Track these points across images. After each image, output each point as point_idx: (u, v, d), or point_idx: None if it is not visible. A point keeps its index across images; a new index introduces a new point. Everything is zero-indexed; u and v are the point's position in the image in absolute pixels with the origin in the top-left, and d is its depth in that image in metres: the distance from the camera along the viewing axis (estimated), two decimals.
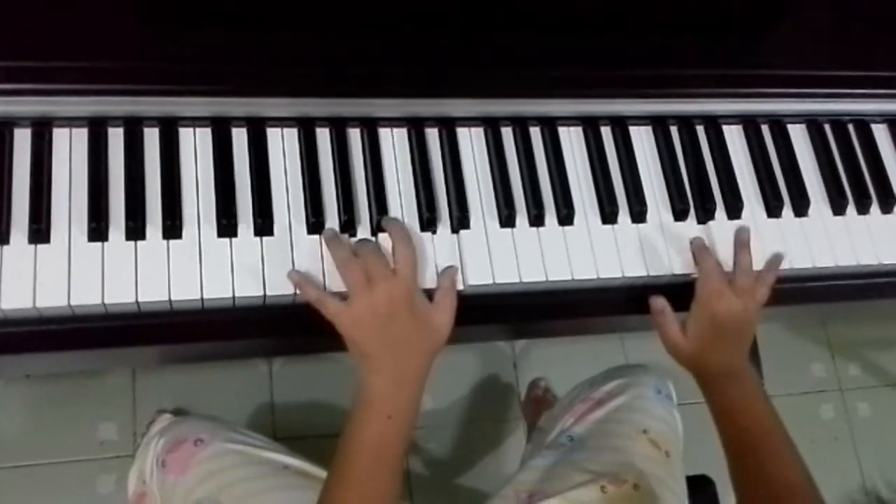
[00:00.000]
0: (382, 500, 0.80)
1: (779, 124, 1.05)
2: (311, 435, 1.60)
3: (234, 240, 0.85)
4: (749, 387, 0.93)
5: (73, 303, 0.78)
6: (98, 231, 0.81)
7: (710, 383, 0.94)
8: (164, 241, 0.83)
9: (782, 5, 1.01)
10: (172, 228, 0.83)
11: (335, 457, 0.81)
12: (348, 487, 0.80)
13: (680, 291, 0.94)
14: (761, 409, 0.92)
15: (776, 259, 0.96)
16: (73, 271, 0.80)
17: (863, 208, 1.03)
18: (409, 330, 0.82)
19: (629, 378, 1.13)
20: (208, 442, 0.99)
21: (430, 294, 0.86)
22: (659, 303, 0.94)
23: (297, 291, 0.84)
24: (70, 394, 1.58)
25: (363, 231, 0.89)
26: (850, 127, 1.08)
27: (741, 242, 0.95)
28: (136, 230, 0.82)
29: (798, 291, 0.99)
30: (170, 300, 0.81)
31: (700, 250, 0.95)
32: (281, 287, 0.84)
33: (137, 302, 0.80)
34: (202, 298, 0.81)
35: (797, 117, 1.06)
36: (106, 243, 0.82)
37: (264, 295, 0.83)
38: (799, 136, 1.06)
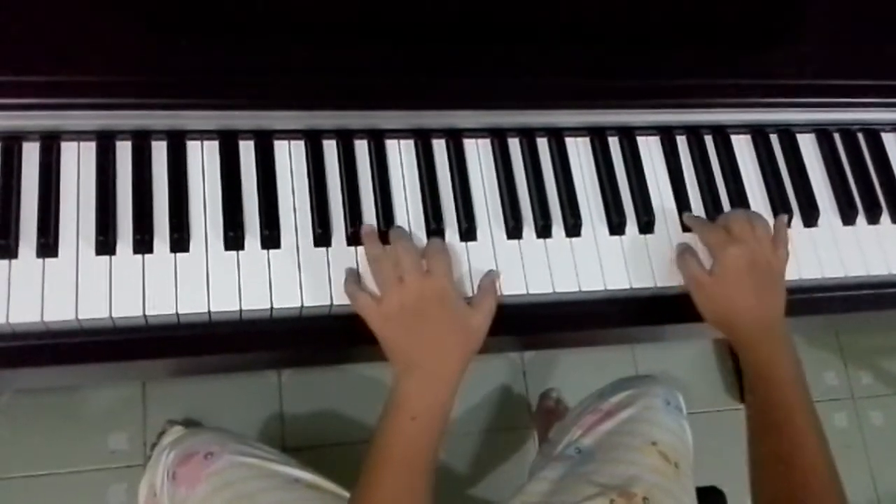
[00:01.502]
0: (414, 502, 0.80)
1: (788, 133, 1.04)
2: (322, 444, 1.60)
3: (241, 253, 0.85)
4: (782, 351, 0.89)
5: (80, 317, 0.79)
6: (106, 245, 0.82)
7: (743, 344, 0.90)
8: (172, 255, 0.83)
9: (790, 15, 1.00)
10: (180, 242, 0.83)
11: (365, 458, 0.81)
12: (379, 491, 0.79)
13: (689, 302, 0.93)
14: (792, 377, 0.88)
15: (781, 219, 0.96)
16: (80, 285, 0.80)
17: (873, 218, 1.02)
18: (442, 329, 0.82)
19: (638, 389, 1.12)
20: (218, 455, 0.99)
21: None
22: (682, 245, 0.95)
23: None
24: (80, 403, 1.58)
25: None
26: (860, 136, 1.07)
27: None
28: (143, 243, 0.83)
29: (807, 302, 0.98)
30: (177, 313, 0.81)
31: (690, 218, 0.97)
32: (288, 300, 0.84)
33: (145, 315, 0.80)
34: (209, 312, 0.82)
35: (806, 126, 1.05)
36: (113, 257, 0.82)
37: (271, 308, 0.83)
38: (808, 145, 1.05)
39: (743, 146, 1.03)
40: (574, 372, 1.77)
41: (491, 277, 0.88)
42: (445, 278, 0.83)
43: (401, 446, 0.80)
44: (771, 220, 0.96)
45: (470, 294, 0.88)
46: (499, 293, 0.88)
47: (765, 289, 0.91)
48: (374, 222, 0.89)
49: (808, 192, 1.02)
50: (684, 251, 0.94)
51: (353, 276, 0.85)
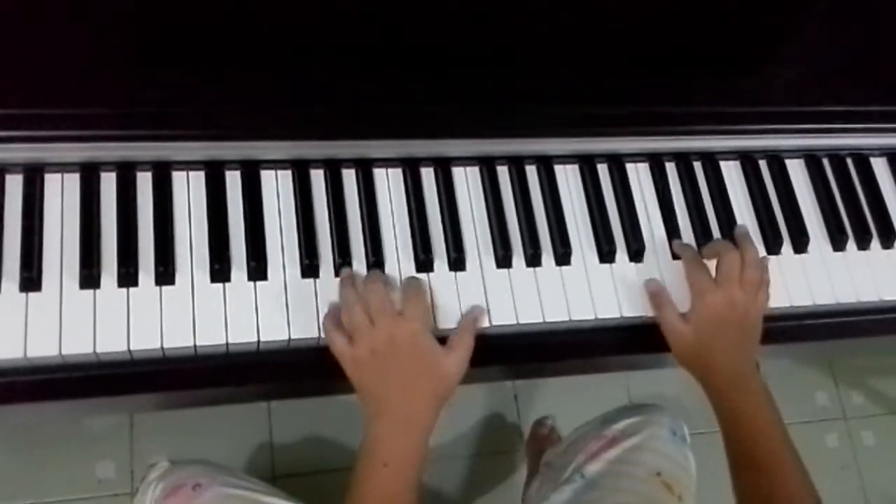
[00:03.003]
0: None
1: (777, 159, 1.04)
2: (311, 472, 1.59)
3: (227, 285, 0.84)
4: (756, 396, 0.89)
5: (64, 352, 0.78)
6: (90, 278, 0.81)
7: (717, 391, 0.90)
8: (157, 288, 0.82)
9: (778, 41, 1.01)
10: (165, 275, 0.82)
11: (343, 501, 0.80)
12: None
13: None
14: (768, 420, 0.89)
15: (763, 260, 0.94)
16: (64, 320, 0.79)
17: (863, 244, 1.02)
18: (412, 374, 0.81)
19: (644, 417, 1.11)
20: (206, 487, 0.98)
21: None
22: (653, 285, 0.93)
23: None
24: (67, 432, 1.56)
25: None
26: (849, 161, 1.07)
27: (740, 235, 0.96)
28: (128, 276, 0.81)
29: (798, 329, 0.98)
30: (162, 348, 0.80)
31: (680, 247, 0.95)
32: (275, 333, 0.83)
33: (130, 350, 0.79)
34: (195, 346, 0.80)
35: (795, 152, 1.05)
36: (98, 290, 0.81)
37: (258, 341, 0.82)
38: (797, 171, 1.05)
39: (732, 172, 1.03)
40: (566, 394, 1.76)
41: (472, 315, 0.87)
42: (418, 321, 0.82)
43: (374, 493, 0.79)
44: (761, 249, 0.96)
45: (455, 325, 0.87)
46: (487, 324, 0.88)
47: (740, 338, 0.90)
48: (363, 252, 0.89)
49: (797, 218, 1.01)
50: (658, 294, 0.92)
51: (332, 317, 0.84)
